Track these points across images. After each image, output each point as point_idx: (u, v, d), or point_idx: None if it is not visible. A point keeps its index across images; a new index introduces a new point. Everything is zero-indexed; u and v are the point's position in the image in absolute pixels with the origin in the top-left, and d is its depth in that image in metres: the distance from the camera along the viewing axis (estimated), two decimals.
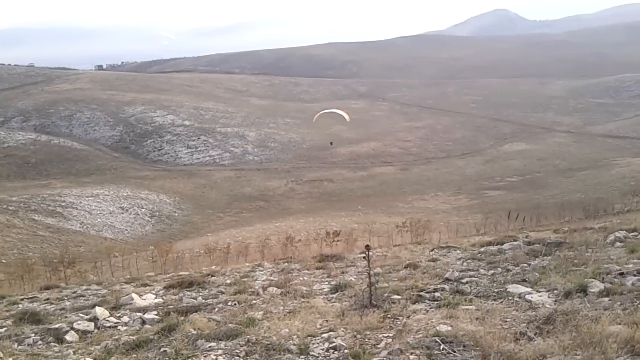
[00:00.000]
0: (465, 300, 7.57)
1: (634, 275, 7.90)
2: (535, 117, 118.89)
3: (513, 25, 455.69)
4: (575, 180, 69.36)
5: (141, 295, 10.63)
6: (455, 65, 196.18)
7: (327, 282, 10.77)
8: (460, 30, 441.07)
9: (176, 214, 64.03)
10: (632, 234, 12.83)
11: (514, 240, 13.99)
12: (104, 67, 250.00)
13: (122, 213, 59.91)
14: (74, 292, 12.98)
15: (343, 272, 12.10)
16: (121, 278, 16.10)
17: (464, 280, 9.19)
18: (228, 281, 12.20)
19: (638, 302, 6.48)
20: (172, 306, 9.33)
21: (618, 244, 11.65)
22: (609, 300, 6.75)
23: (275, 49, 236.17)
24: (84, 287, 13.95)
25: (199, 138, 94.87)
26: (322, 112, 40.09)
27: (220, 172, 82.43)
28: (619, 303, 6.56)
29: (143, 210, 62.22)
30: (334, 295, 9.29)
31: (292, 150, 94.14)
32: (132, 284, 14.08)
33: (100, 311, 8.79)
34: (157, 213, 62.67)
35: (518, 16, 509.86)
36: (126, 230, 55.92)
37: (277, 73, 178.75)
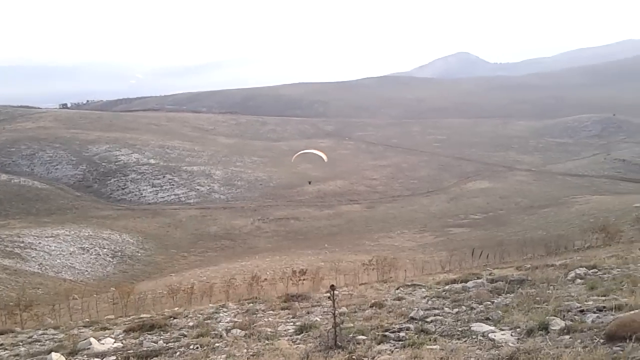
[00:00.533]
0: (430, 340, 7.55)
1: (594, 313, 8.02)
2: (497, 156, 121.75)
3: (475, 67, 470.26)
4: (536, 217, 70.71)
5: (100, 339, 10.28)
6: (419, 105, 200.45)
7: (292, 323, 10.63)
8: (424, 72, 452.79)
9: (139, 254, 62.67)
10: (591, 270, 13.08)
11: (478, 278, 14.11)
12: (69, 105, 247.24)
13: (83, 254, 58.36)
14: (29, 337, 12.48)
15: (309, 312, 11.97)
16: (80, 321, 15.57)
17: (428, 319, 9.18)
18: (191, 323, 11.92)
19: (598, 339, 6.57)
20: (131, 351, 9.04)
21: (578, 280, 11.85)
22: (570, 337, 6.82)
23: (243, 89, 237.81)
24: (40, 332, 13.43)
25: (164, 177, 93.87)
26: (301, 152, 40.53)
27: (185, 211, 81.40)
28: (579, 341, 6.63)
29: (105, 250, 60.75)
30: (299, 337, 9.16)
31: (259, 189, 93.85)
32: (90, 327, 13.62)
33: (56, 357, 8.47)
34: (119, 253, 61.25)
35: (479, 59, 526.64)
36: (86, 271, 54.39)
37: (244, 112, 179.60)
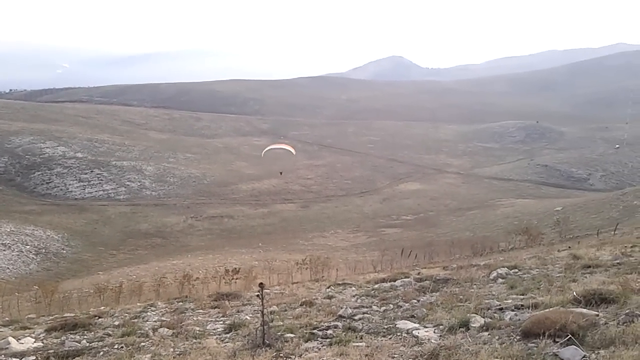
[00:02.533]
0: (357, 338, 7.70)
1: (512, 310, 8.41)
2: (428, 159, 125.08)
3: (407, 71, 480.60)
4: (464, 219, 73.18)
5: (19, 339, 9.86)
6: (353, 106, 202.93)
7: (221, 322, 10.57)
8: (358, 74, 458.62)
9: (64, 252, 60.28)
10: (512, 270, 13.67)
11: (406, 277, 14.48)
12: None
13: (4, 250, 55.49)
14: None
15: (239, 311, 11.93)
16: None
17: (356, 317, 9.37)
18: (116, 323, 11.63)
19: (514, 336, 6.91)
20: (52, 351, 8.73)
21: (500, 280, 12.36)
22: (489, 334, 7.12)
23: (176, 83, 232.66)
24: None
25: (92, 171, 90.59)
26: (269, 147, 40.98)
27: (114, 207, 78.94)
28: (497, 337, 6.94)
29: (27, 247, 58.03)
30: (228, 335, 9.12)
31: (192, 186, 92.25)
32: (10, 326, 13.01)
33: None
34: (44, 250, 58.69)
35: (412, 63, 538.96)
36: (8, 268, 51.77)
37: (177, 107, 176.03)
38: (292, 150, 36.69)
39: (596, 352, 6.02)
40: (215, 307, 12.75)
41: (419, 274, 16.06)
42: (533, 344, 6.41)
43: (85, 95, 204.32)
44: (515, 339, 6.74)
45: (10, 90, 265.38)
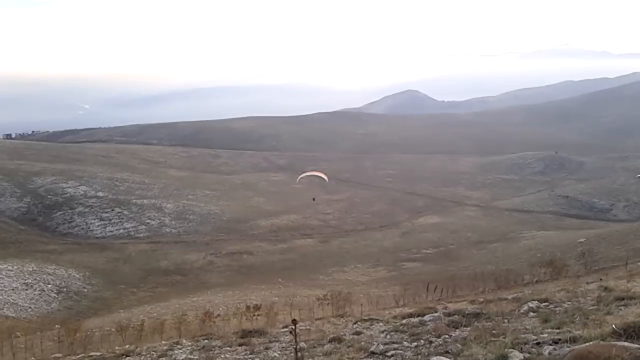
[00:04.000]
0: None
1: (550, 345, 8.25)
2: (446, 192, 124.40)
3: (423, 104, 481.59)
4: (486, 252, 72.27)
5: None
6: (370, 140, 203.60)
7: (250, 359, 10.48)
8: (374, 108, 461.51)
9: (86, 290, 60.48)
10: (543, 304, 13.45)
11: (434, 312, 14.29)
12: (13, 136, 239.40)
13: (26, 289, 55.83)
14: None
15: (267, 348, 11.84)
16: None
17: (389, 353, 9.24)
18: None
19: None
20: None
21: (532, 314, 12.16)
22: None
23: (193, 121, 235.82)
24: None
25: (113, 210, 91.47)
26: (304, 174, 42.94)
27: (134, 245, 79.33)
28: None
29: (49, 286, 58.34)
30: None
31: (211, 223, 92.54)
32: None
33: None
34: (65, 289, 58.93)
35: (427, 97, 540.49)
36: (30, 307, 52.02)
37: (195, 145, 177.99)
38: (325, 178, 38.19)
39: None
40: (242, 344, 12.66)
41: (446, 308, 15.83)
42: None
43: (105, 135, 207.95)
44: None
45: (33, 132, 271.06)
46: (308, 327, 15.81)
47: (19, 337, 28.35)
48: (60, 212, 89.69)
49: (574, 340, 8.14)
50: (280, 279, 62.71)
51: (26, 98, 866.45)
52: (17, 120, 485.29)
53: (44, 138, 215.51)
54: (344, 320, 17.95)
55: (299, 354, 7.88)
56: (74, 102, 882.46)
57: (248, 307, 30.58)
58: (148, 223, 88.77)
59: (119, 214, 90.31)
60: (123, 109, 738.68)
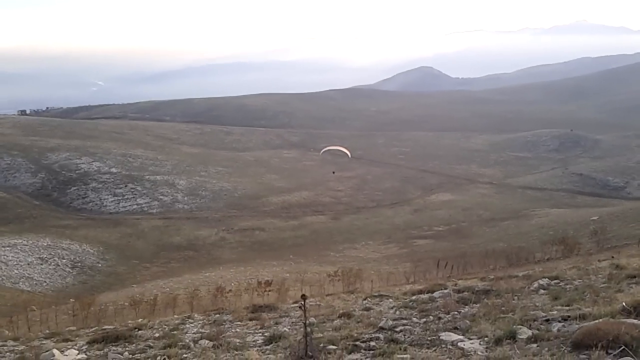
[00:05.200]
0: (400, 349, 7.61)
1: (559, 322, 8.22)
2: (459, 169, 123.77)
3: (437, 82, 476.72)
4: (498, 229, 72.04)
5: (63, 351, 10.02)
6: (383, 118, 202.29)
7: (260, 334, 10.59)
8: (387, 85, 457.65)
9: (99, 265, 61.37)
10: (554, 281, 13.40)
11: (444, 289, 14.30)
12: (28, 112, 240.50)
13: (42, 264, 56.81)
14: None
15: (277, 323, 11.95)
16: (40, 333, 15.12)
17: (398, 329, 9.27)
18: (157, 335, 11.75)
19: (565, 347, 6.74)
20: None
21: (542, 291, 12.13)
22: (537, 346, 6.97)
23: (207, 98, 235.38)
24: None
25: (126, 186, 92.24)
26: (328, 148, 43.67)
27: (147, 221, 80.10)
28: (546, 349, 6.79)
29: (64, 261, 59.26)
30: (268, 347, 9.13)
31: (224, 199, 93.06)
32: (52, 339, 13.25)
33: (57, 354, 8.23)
34: (79, 264, 59.85)
35: (442, 73, 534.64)
36: (45, 282, 52.95)
37: (208, 122, 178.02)
38: (348, 153, 38.60)
39: None
40: (253, 319, 12.79)
41: (456, 285, 15.82)
42: (585, 356, 6.26)
43: (119, 112, 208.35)
44: (566, 351, 6.57)
45: (47, 108, 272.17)
46: (318, 303, 15.92)
47: (34, 310, 28.85)
48: (75, 188, 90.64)
49: (583, 317, 8.11)
50: (291, 255, 63.14)
51: (40, 74, 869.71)
52: (31, 96, 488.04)
53: (58, 114, 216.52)
54: (354, 297, 18.05)
55: (309, 328, 7.91)
56: (88, 78, 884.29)
57: (259, 283, 30.81)
58: (161, 199, 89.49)
59: (132, 190, 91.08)
60: (136, 86, 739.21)
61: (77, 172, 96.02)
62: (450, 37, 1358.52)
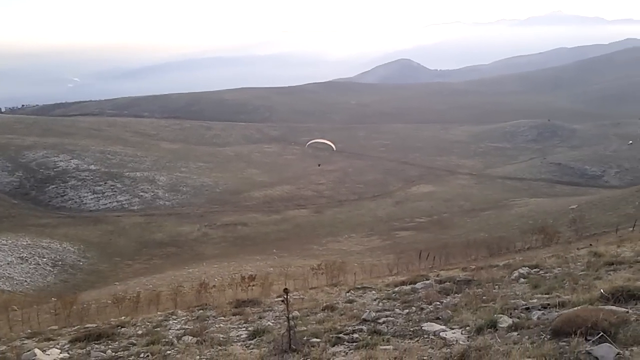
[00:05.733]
0: (383, 341, 7.68)
1: (539, 310, 8.34)
2: (439, 161, 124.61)
3: (416, 74, 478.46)
4: (478, 220, 72.79)
5: (45, 350, 9.92)
6: (363, 110, 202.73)
7: (244, 328, 10.59)
8: (367, 78, 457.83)
9: (81, 263, 60.73)
10: (534, 270, 13.57)
11: (426, 280, 14.42)
12: (3, 110, 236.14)
13: (22, 263, 56.02)
14: None
15: (260, 317, 11.95)
16: (21, 333, 14.93)
17: (380, 321, 9.34)
18: (139, 332, 11.68)
19: (544, 335, 6.84)
20: None
21: (522, 280, 12.28)
22: (518, 334, 7.07)
23: (186, 93, 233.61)
24: None
25: (105, 183, 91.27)
26: (313, 141, 44.32)
27: (128, 218, 79.41)
28: (527, 337, 6.89)
29: (44, 259, 58.53)
30: (252, 342, 9.13)
31: (205, 195, 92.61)
32: (33, 338, 13.09)
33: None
34: (60, 262, 59.17)
35: (420, 65, 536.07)
36: (25, 281, 52.25)
37: (188, 117, 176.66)
38: (333, 146, 39.00)
39: (629, 348, 5.97)
40: (237, 314, 12.77)
41: (438, 275, 15.97)
42: (564, 343, 6.35)
43: (96, 108, 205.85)
44: (546, 338, 6.68)
45: (23, 105, 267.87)
46: (302, 297, 15.95)
47: (15, 310, 28.48)
48: (53, 186, 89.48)
49: (562, 305, 8.23)
50: (274, 250, 63.12)
51: (15, 72, 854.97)
52: (6, 94, 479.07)
53: (34, 112, 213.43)
54: (337, 289, 18.11)
55: (291, 322, 7.94)
56: (63, 75, 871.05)
57: (243, 278, 30.72)
58: (141, 196, 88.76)
59: (112, 187, 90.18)
60: (114, 82, 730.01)
61: (55, 170, 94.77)
62: (428, 29, 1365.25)
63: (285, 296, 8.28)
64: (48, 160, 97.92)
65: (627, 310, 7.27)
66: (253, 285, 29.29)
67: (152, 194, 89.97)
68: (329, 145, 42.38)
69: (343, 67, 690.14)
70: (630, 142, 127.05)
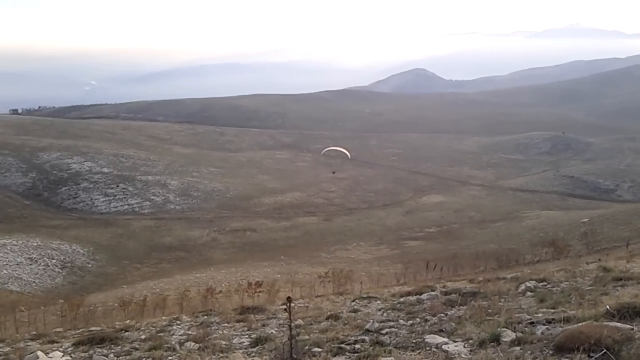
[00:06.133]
0: (385, 352, 7.62)
1: (543, 324, 8.24)
2: (451, 171, 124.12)
3: (430, 83, 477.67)
4: (489, 231, 72.29)
5: (47, 353, 9.95)
6: (376, 119, 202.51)
7: (247, 336, 10.57)
8: (381, 87, 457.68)
9: (90, 265, 61.06)
10: (541, 283, 13.44)
11: (432, 290, 14.33)
12: (20, 111, 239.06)
13: (31, 264, 56.41)
14: None
15: (264, 325, 11.92)
16: (26, 334, 15.03)
17: (383, 331, 9.27)
18: (143, 336, 11.70)
19: (547, 350, 6.76)
20: None
21: (529, 293, 12.16)
22: (520, 349, 6.98)
23: (200, 98, 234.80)
24: None
25: (117, 186, 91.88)
26: (328, 148, 44.99)
27: (139, 222, 79.81)
28: (529, 352, 6.80)
29: (54, 261, 58.91)
30: (254, 349, 9.11)
31: (215, 200, 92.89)
32: (38, 340, 13.17)
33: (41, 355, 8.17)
34: (69, 264, 59.52)
35: (435, 75, 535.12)
36: (34, 282, 52.60)
37: (201, 122, 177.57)
38: (348, 153, 39.66)
39: None
40: (241, 321, 12.76)
41: (444, 287, 15.87)
42: (567, 359, 6.27)
43: (111, 112, 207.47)
44: (548, 354, 6.59)
45: (40, 107, 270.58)
46: (306, 305, 15.92)
47: (22, 311, 28.67)
48: (66, 188, 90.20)
49: (567, 320, 8.13)
50: (282, 256, 63.08)
51: (33, 74, 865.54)
52: (24, 95, 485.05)
53: (51, 114, 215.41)
54: (343, 298, 18.05)
55: (294, 331, 7.91)
56: (81, 78, 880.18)
57: (250, 284, 30.69)
58: (152, 199, 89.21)
59: (124, 190, 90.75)
60: (130, 85, 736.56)
61: (68, 171, 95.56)
62: (444, 40, 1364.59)
63: (288, 304, 8.26)
64: (62, 162, 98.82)
65: (632, 327, 7.16)
66: (259, 292, 29.26)
67: (163, 197, 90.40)
68: (344, 152, 42.81)
69: (357, 75, 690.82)
70: None
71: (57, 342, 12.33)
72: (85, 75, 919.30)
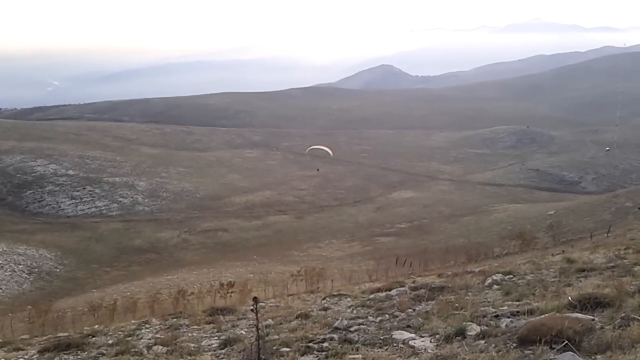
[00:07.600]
0: (353, 349, 7.66)
1: (508, 317, 8.40)
2: (420, 167, 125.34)
3: (397, 80, 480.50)
4: (458, 225, 73.28)
5: None
6: (345, 116, 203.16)
7: (216, 337, 10.50)
8: (349, 83, 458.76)
9: (58, 270, 59.83)
10: (507, 276, 13.68)
11: (401, 286, 14.44)
12: None
13: None
14: None
15: (234, 326, 11.86)
16: None
17: (352, 329, 9.32)
18: (110, 341, 11.52)
19: (511, 343, 6.89)
20: None
21: (495, 286, 12.37)
22: (485, 342, 7.10)
23: (166, 97, 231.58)
24: None
25: (84, 188, 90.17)
26: (312, 147, 45.82)
27: (107, 224, 78.53)
28: (493, 345, 6.93)
29: (20, 266, 57.55)
30: (223, 351, 9.06)
31: (185, 200, 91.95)
32: (3, 348, 12.84)
33: None
34: (37, 269, 58.23)
35: (402, 71, 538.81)
36: (0, 289, 51.33)
37: (168, 122, 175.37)
38: (330, 152, 40.42)
39: (593, 357, 6.03)
40: (210, 323, 12.66)
41: (414, 282, 16.03)
42: (529, 351, 6.40)
43: (75, 112, 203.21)
44: (511, 347, 6.73)
45: (1, 109, 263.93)
46: (278, 304, 15.90)
47: None
48: (30, 191, 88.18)
49: (531, 312, 8.30)
50: (255, 256, 62.84)
51: None
52: None
53: (12, 116, 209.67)
54: (314, 296, 18.08)
55: (262, 331, 7.90)
56: (41, 78, 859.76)
57: (222, 285, 30.43)
58: (120, 201, 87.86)
59: (91, 193, 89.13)
60: (93, 85, 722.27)
61: (32, 175, 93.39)
62: (409, 36, 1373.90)
63: (255, 305, 8.24)
64: (25, 165, 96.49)
65: (592, 318, 7.35)
66: (232, 292, 29.03)
67: (131, 199, 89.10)
68: (327, 151, 43.50)
69: (325, 72, 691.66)
70: (607, 148, 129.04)
71: (22, 350, 12.06)
72: (46, 75, 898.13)
